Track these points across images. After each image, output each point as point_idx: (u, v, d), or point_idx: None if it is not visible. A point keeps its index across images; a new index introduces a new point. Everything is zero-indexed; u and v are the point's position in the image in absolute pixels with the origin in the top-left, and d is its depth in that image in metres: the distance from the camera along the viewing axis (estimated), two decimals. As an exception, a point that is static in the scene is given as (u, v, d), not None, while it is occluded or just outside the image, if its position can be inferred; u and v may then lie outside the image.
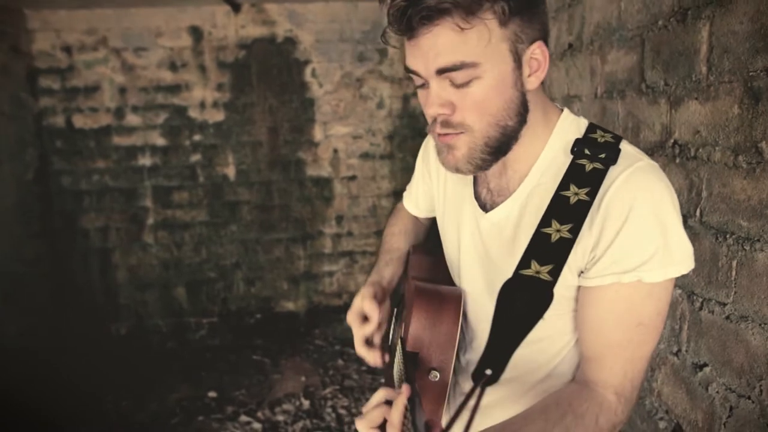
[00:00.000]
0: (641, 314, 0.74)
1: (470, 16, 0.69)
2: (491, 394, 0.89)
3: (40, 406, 3.32)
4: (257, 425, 3.10)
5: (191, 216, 4.24)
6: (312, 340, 4.28)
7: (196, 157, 4.18)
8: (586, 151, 0.77)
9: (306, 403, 3.32)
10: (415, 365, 0.86)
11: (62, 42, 4.00)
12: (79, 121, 4.09)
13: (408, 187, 1.23)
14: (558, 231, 0.73)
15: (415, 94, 4.29)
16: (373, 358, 1.02)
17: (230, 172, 4.23)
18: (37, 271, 3.91)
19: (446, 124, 0.76)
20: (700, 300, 1.14)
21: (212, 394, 3.46)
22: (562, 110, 0.86)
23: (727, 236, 1.05)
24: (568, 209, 0.74)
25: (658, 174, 0.76)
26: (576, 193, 0.74)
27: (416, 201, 1.18)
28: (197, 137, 4.16)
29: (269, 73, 4.15)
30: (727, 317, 1.06)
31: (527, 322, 0.68)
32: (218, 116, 4.15)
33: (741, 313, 1.02)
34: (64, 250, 4.16)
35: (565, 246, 0.72)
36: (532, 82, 0.77)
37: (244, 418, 3.17)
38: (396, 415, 0.61)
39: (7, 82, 3.69)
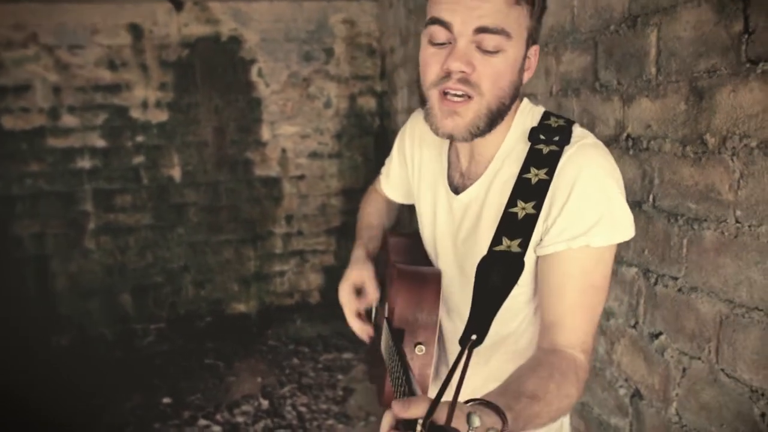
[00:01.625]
0: (593, 277, 0.83)
1: None
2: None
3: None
4: (217, 428, 3.07)
5: (135, 219, 4.12)
6: (265, 340, 4.25)
7: (139, 159, 4.06)
8: (541, 137, 0.87)
9: (265, 403, 3.32)
10: (402, 341, 0.93)
11: (-13, 38, 3.77)
12: (8, 123, 3.88)
13: (384, 172, 1.29)
14: (523, 209, 0.81)
15: (361, 93, 4.35)
16: (365, 331, 1.08)
17: (176, 173, 4.14)
18: (-33, 282, 3.68)
19: (464, 81, 0.81)
20: (655, 276, 1.27)
21: (167, 400, 3.39)
22: (521, 100, 0.95)
23: (678, 218, 1.19)
24: (531, 188, 0.83)
25: (601, 150, 0.86)
26: (536, 174, 0.83)
27: (394, 185, 1.25)
28: (140, 138, 4.04)
29: (214, 73, 4.09)
30: (680, 289, 1.20)
31: (504, 290, 0.76)
32: (162, 116, 4.05)
33: (691, 285, 1.16)
34: (-5, 259, 3.94)
35: (531, 221, 0.81)
36: (525, 76, 0.88)
37: (202, 422, 3.13)
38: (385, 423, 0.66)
39: (-73, 81, 3.45)
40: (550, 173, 0.82)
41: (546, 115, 0.92)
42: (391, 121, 4.06)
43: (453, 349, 1.08)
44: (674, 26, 1.16)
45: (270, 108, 4.24)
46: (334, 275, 4.48)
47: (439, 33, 0.81)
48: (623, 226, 0.83)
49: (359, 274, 1.10)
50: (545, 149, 0.85)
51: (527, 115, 0.93)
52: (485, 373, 1.02)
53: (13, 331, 3.96)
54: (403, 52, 3.55)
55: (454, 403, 0.57)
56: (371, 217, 1.29)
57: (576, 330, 0.84)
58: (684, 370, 1.20)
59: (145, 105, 4.01)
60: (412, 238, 1.21)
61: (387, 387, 0.97)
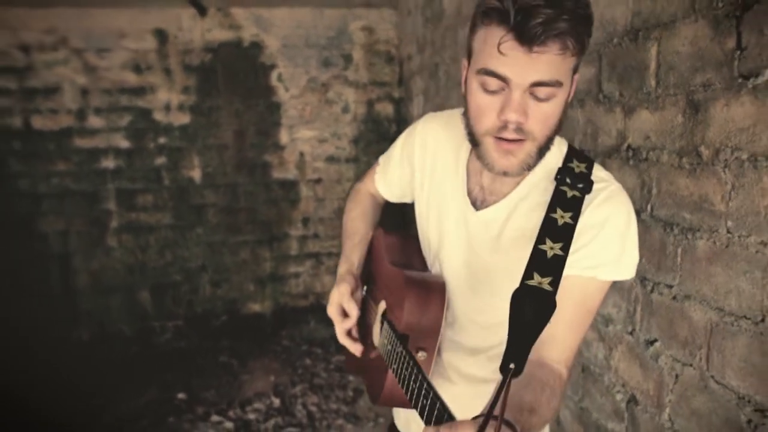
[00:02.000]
0: (590, 303, 0.92)
1: (575, 45, 0.79)
2: (475, 342, 1.07)
3: (1, 415, 3.25)
4: (229, 424, 3.14)
5: (156, 219, 4.23)
6: (279, 340, 4.33)
7: (161, 160, 4.18)
8: (567, 180, 0.92)
9: (276, 402, 3.38)
10: (404, 345, 0.98)
11: (20, 41, 3.92)
12: (38, 123, 4.02)
13: (381, 170, 1.27)
14: (551, 248, 0.85)
15: (379, 99, 4.42)
16: (355, 348, 1.12)
17: (196, 174, 4.25)
18: (-5, 275, 3.82)
19: (519, 130, 0.85)
20: (651, 284, 1.30)
21: (182, 395, 3.47)
22: None
23: (674, 227, 1.21)
24: (558, 229, 0.87)
25: (625, 196, 0.93)
26: (562, 216, 0.89)
27: (390, 184, 1.25)
28: (162, 140, 4.16)
29: (235, 77, 4.19)
30: (674, 297, 1.22)
31: (539, 323, 0.78)
32: (184, 119, 4.16)
33: (685, 293, 1.19)
34: (22, 255, 4.07)
35: (560, 261, 0.84)
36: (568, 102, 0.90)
37: (215, 417, 3.21)
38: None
39: (-37, 82, 3.60)
40: (574, 218, 0.88)
41: (569, 155, 0.97)
42: (407, 126, 4.11)
43: (448, 356, 1.11)
44: (673, 41, 1.19)
45: (289, 112, 4.32)
46: (348, 278, 4.53)
47: (492, 83, 0.83)
48: (628, 268, 0.92)
49: (338, 295, 1.11)
50: (569, 193, 0.91)
51: (555, 149, 0.96)
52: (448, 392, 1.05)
53: (36, 325, 4.10)
54: (420, 60, 3.60)
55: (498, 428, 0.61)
56: (355, 222, 1.28)
57: (566, 347, 0.91)
58: (677, 376, 1.22)
59: (168, 108, 4.13)
60: (404, 236, 1.24)
61: (387, 384, 1.01)
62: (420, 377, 0.82)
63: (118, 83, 4.05)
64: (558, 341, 0.89)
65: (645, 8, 1.28)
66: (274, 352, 4.12)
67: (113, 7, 3.94)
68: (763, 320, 0.99)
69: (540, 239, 0.87)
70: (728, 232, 1.06)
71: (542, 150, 0.89)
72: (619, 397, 1.46)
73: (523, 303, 0.79)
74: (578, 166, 0.94)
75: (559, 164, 0.95)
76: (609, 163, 1.46)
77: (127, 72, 4.05)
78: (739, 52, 1.01)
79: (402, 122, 4.36)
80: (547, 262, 0.84)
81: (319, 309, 4.60)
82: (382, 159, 1.28)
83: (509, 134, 0.85)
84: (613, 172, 1.44)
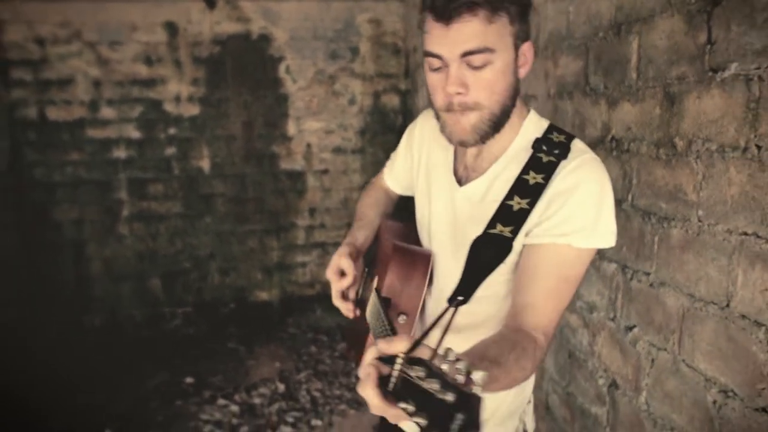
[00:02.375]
0: (568, 272, 0.93)
1: (494, 13, 0.88)
2: (463, 318, 1.10)
3: (16, 395, 3.37)
4: (234, 407, 3.22)
5: (166, 208, 4.32)
6: (286, 328, 4.41)
7: (171, 150, 4.26)
8: (543, 147, 0.97)
9: (281, 387, 3.46)
10: (387, 307, 1.03)
11: (35, 34, 4.01)
12: (52, 114, 4.11)
13: (389, 165, 1.39)
14: (519, 203, 0.92)
15: (386, 91, 4.46)
16: (346, 309, 1.18)
17: (205, 165, 4.33)
18: (8, 263, 3.94)
19: (463, 103, 0.93)
20: (631, 272, 1.34)
21: (189, 380, 3.57)
22: (529, 111, 1.05)
23: (651, 216, 1.25)
24: (528, 188, 0.93)
25: (600, 165, 0.96)
26: (534, 177, 0.94)
27: (397, 178, 1.36)
28: (172, 131, 4.24)
29: (244, 69, 4.25)
30: (651, 284, 1.26)
31: (492, 264, 0.87)
32: (193, 110, 4.24)
33: (660, 280, 1.23)
34: (37, 242, 4.19)
35: (524, 214, 0.91)
36: (521, 72, 0.97)
37: (221, 401, 3.30)
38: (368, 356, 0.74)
39: (-20, 73, 3.71)
40: (546, 179, 0.93)
41: (550, 129, 1.02)
42: (413, 118, 4.15)
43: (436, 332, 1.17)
44: (652, 35, 1.22)
45: (296, 104, 4.38)
46: (354, 268, 4.60)
47: (434, 62, 0.93)
48: (604, 236, 0.93)
49: (336, 257, 1.18)
50: (545, 158, 0.96)
51: (534, 126, 1.03)
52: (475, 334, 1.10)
53: (51, 311, 4.22)
54: (425, 52, 3.64)
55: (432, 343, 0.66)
56: (366, 207, 1.38)
57: (543, 314, 0.93)
58: (653, 360, 1.27)
59: (178, 99, 4.21)
60: (408, 225, 1.30)
61: (366, 347, 1.07)
62: (389, 329, 0.86)
63: (129, 75, 4.13)
64: (535, 308, 0.92)
65: (627, 3, 1.31)
66: (280, 339, 4.20)
67: (125, 1, 4.01)
68: (728, 305, 1.03)
69: (508, 197, 0.93)
70: (699, 220, 1.10)
71: (498, 118, 0.95)
72: (601, 381, 1.50)
73: (481, 247, 0.87)
74: (557, 137, 0.99)
75: (539, 135, 1.00)
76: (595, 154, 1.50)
77: (138, 64, 4.13)
78: (709, 47, 1.05)
79: (408, 114, 4.40)
80: (512, 214, 0.91)
81: (325, 298, 4.67)
82: (392, 155, 1.40)
83: (455, 107, 0.93)
84: (597, 162, 1.48)
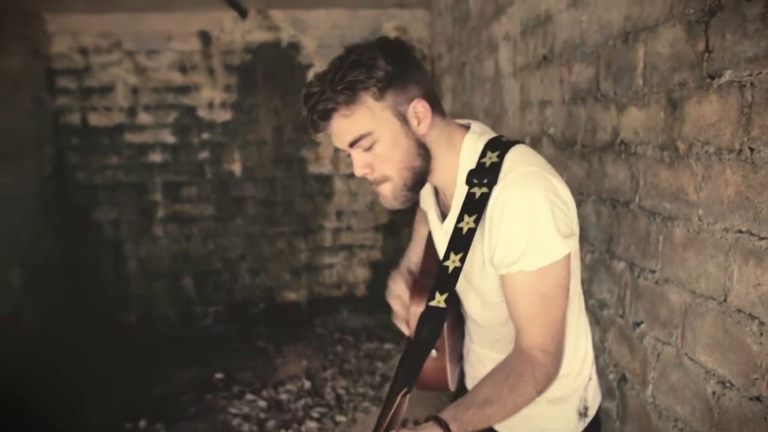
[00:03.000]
0: (541, 289, 0.95)
1: (350, 105, 0.93)
2: (480, 349, 1.19)
3: (57, 384, 3.56)
4: (262, 402, 3.34)
5: (199, 210, 4.49)
6: (313, 328, 4.53)
7: (204, 155, 4.43)
8: (475, 180, 0.98)
9: (307, 384, 3.57)
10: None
11: (79, 44, 4.24)
12: (94, 120, 4.33)
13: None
14: (453, 262, 0.97)
15: (411, 97, 4.55)
16: (407, 330, 1.21)
17: (236, 168, 4.49)
18: (54, 261, 4.16)
19: (375, 179, 1.01)
20: (638, 269, 1.39)
21: (219, 375, 3.71)
22: (468, 128, 1.07)
23: (656, 216, 1.30)
24: (461, 239, 0.97)
25: (525, 182, 0.94)
26: (467, 222, 0.97)
27: (424, 202, 1.41)
28: (205, 135, 4.41)
29: (274, 76, 4.40)
30: (656, 282, 1.31)
31: (433, 339, 0.96)
32: (225, 116, 4.41)
33: (665, 277, 1.28)
34: (79, 242, 4.41)
35: (457, 272, 0.97)
36: (422, 129, 0.99)
37: (249, 396, 3.42)
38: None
39: (27, 82, 3.94)
40: (477, 220, 0.97)
41: (484, 151, 1.01)
42: (438, 123, 4.22)
43: (475, 338, 1.24)
44: (656, 43, 1.28)
45: (324, 109, 4.50)
46: (380, 269, 4.70)
47: (346, 152, 1.02)
48: (549, 252, 0.93)
49: (395, 288, 1.22)
50: (478, 192, 0.97)
51: (468, 155, 1.03)
52: (483, 374, 1.17)
53: (92, 307, 4.43)
54: (449, 59, 3.72)
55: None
56: (418, 224, 1.42)
57: (534, 334, 0.97)
58: (658, 355, 1.32)
59: (211, 105, 4.38)
60: None
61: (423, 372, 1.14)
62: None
63: (165, 82, 4.32)
64: (524, 331, 0.97)
65: (635, 12, 1.37)
66: (307, 339, 4.32)
67: (162, 12, 4.21)
68: (725, 300, 1.08)
69: (445, 256, 0.98)
70: (699, 219, 1.15)
71: (412, 180, 1.01)
72: (611, 376, 1.55)
73: (422, 325, 0.95)
74: (490, 158, 0.99)
75: (472, 165, 1.01)
76: (605, 157, 1.55)
77: (173, 72, 4.32)
78: (707, 54, 1.10)
79: (433, 119, 4.47)
80: (447, 277, 0.96)
81: (351, 299, 4.78)
82: None
83: (373, 183, 1.03)
84: (607, 165, 1.54)
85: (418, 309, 1.08)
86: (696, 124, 1.15)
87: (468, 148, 1.04)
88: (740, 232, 1.03)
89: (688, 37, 1.16)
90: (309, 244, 4.69)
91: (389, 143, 0.97)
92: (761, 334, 0.99)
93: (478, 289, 1.10)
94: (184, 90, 4.35)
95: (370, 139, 0.96)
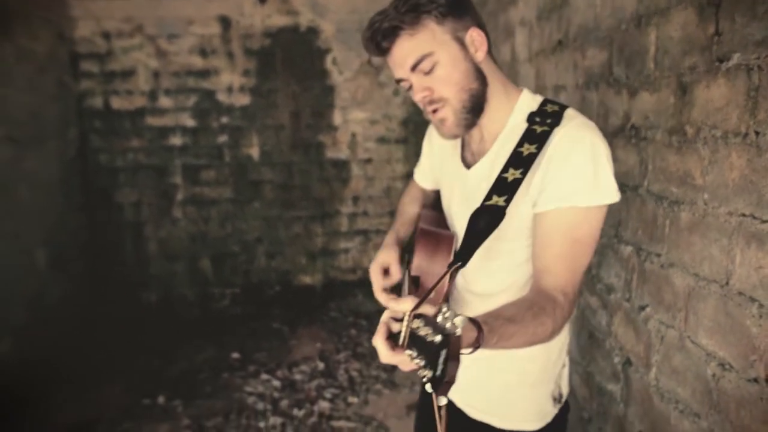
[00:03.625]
0: (577, 233, 0.98)
1: (414, 26, 0.99)
2: (471, 298, 1.19)
3: (79, 361, 3.68)
4: (276, 382, 3.42)
5: (218, 193, 4.56)
6: (327, 311, 4.59)
7: (223, 138, 4.49)
8: (537, 119, 1.04)
9: (321, 365, 3.63)
10: (416, 286, 1.14)
11: (102, 29, 4.31)
12: (116, 103, 4.41)
13: (418, 165, 1.50)
14: (513, 174, 1.00)
15: (428, 83, 4.54)
16: (387, 301, 1.26)
17: (254, 152, 4.54)
18: (77, 242, 4.26)
19: (431, 102, 1.05)
20: (645, 254, 1.40)
21: (235, 355, 3.79)
22: (522, 90, 1.12)
23: (663, 201, 1.31)
24: (522, 159, 1.01)
25: (591, 128, 1.01)
26: (528, 149, 1.01)
27: (424, 174, 1.46)
28: (224, 119, 4.47)
29: (293, 61, 4.43)
30: (661, 265, 1.32)
31: (487, 231, 0.97)
32: (244, 100, 4.45)
33: (670, 261, 1.28)
34: (101, 223, 4.51)
35: (517, 182, 1.00)
36: (479, 55, 1.05)
37: (264, 376, 3.50)
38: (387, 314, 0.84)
39: (52, 66, 4.02)
40: (539, 147, 1.01)
41: (545, 102, 1.09)
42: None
43: (461, 296, 1.26)
44: (667, 27, 1.28)
45: (342, 94, 4.52)
46: (394, 255, 4.72)
47: (403, 84, 1.07)
48: (605, 192, 0.97)
49: (386, 257, 1.28)
50: (539, 129, 1.03)
51: (529, 101, 1.10)
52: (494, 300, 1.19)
53: (113, 286, 4.55)
54: (467, 44, 3.70)
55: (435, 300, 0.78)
56: (406, 205, 1.49)
57: (559, 276, 0.99)
58: (662, 338, 1.33)
59: (230, 89, 4.43)
60: (441, 214, 1.41)
61: None
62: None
63: (185, 66, 4.38)
64: (550, 272, 0.99)
65: (647, -4, 1.37)
66: (321, 322, 4.38)
67: (183, -4, 4.25)
68: (727, 283, 1.09)
69: (504, 170, 1.02)
70: (704, 203, 1.16)
71: (471, 103, 1.05)
72: (617, 360, 1.57)
73: (478, 218, 0.98)
74: (551, 107, 1.06)
75: (534, 109, 1.07)
76: (615, 142, 1.56)
77: (193, 56, 4.37)
78: (717, 38, 1.10)
79: (450, 105, 4.46)
80: (506, 185, 1.00)
81: (366, 283, 4.77)
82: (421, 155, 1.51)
83: (428, 107, 1.06)
84: (618, 150, 1.54)
85: (423, 257, 1.11)
86: (704, 108, 1.15)
87: (528, 96, 1.10)
88: (743, 215, 1.04)
89: (699, 20, 1.16)
90: (325, 228, 4.74)
91: (449, 65, 1.02)
92: (761, 317, 0.99)
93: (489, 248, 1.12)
94: (204, 74, 4.40)
95: (431, 60, 1.01)
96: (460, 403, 1.22)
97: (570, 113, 1.04)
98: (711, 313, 1.14)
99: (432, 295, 1.09)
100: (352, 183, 4.68)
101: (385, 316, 0.80)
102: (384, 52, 1.03)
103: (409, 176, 4.60)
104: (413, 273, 1.17)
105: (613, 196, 0.98)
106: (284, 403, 3.18)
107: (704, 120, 1.15)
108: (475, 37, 1.04)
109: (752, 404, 1.02)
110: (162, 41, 4.35)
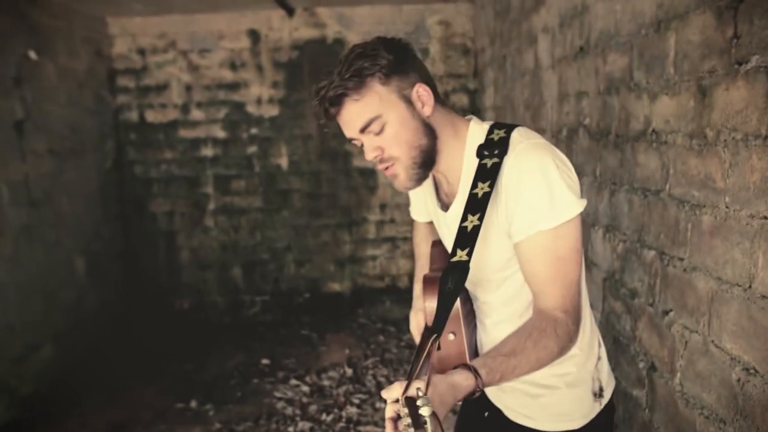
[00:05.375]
0: (556, 252, 0.99)
1: (359, 90, 1.00)
2: (494, 317, 1.20)
3: (115, 365, 3.80)
4: (305, 388, 3.46)
5: (248, 202, 4.66)
6: (356, 318, 4.63)
7: (252, 149, 4.60)
8: (485, 152, 1.04)
9: (349, 371, 3.67)
10: (439, 335, 1.15)
11: (137, 45, 4.48)
12: (150, 116, 4.57)
13: (411, 206, 1.48)
14: (471, 222, 1.02)
15: (455, 91, 4.57)
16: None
17: (283, 162, 4.63)
18: (113, 250, 4.41)
19: (382, 161, 1.07)
20: (668, 258, 1.39)
21: (265, 361, 3.86)
22: (470, 120, 1.13)
23: (685, 204, 1.30)
24: (477, 202, 1.02)
25: (538, 148, 1.01)
26: (482, 188, 1.02)
27: (418, 212, 1.46)
28: (254, 130, 4.57)
29: (320, 72, 4.42)
30: (684, 270, 1.31)
31: (456, 290, 1.00)
32: (273, 111, 4.55)
33: (693, 265, 1.28)
34: (135, 232, 4.66)
35: (476, 230, 1.01)
36: (426, 111, 1.05)
37: (293, 381, 3.55)
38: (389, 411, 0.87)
39: (91, 81, 4.19)
40: (492, 185, 1.02)
41: (491, 130, 1.07)
42: (481, 117, 4.23)
43: (487, 322, 1.26)
44: (687, 31, 1.28)
45: (368, 104, 4.58)
46: (421, 263, 4.74)
47: (356, 142, 1.08)
48: (564, 209, 0.98)
49: (416, 319, 1.31)
50: (489, 162, 1.03)
51: (476, 134, 1.09)
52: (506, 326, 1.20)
53: (147, 293, 4.68)
54: (491, 52, 3.72)
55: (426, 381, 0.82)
56: (418, 247, 1.50)
57: (553, 296, 1.01)
58: (686, 343, 1.32)
59: (259, 101, 4.53)
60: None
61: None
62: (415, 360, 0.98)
63: (216, 80, 4.51)
64: (545, 294, 1.02)
65: (666, 0, 1.37)
66: (350, 328, 4.42)
67: (214, 12, 4.39)
68: (750, 286, 1.08)
69: (463, 218, 1.03)
70: (726, 207, 1.15)
71: (421, 159, 1.06)
72: (641, 365, 1.56)
73: (446, 278, 1.00)
74: (497, 134, 1.06)
75: (481, 141, 1.07)
76: (637, 147, 1.55)
77: (224, 69, 4.50)
78: (735, 40, 1.10)
79: (476, 112, 4.48)
80: (467, 235, 1.01)
81: (394, 290, 4.84)
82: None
83: (380, 166, 1.08)
84: (639, 155, 1.54)
85: (431, 304, 1.13)
86: (724, 111, 1.15)
87: (475, 128, 1.10)
88: (765, 218, 1.03)
89: (718, 23, 1.16)
90: (353, 236, 4.79)
91: (397, 124, 1.03)
92: (784, 320, 0.99)
93: (484, 270, 1.13)
94: (234, 87, 4.52)
95: (380, 122, 1.02)
96: (505, 410, 1.23)
97: (515, 137, 1.04)
98: (734, 316, 1.13)
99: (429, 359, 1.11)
100: (379, 191, 4.73)
101: (388, 411, 0.84)
102: (332, 118, 1.05)
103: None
104: (426, 321, 1.18)
105: (574, 209, 0.99)
106: (313, 408, 3.22)
107: (724, 123, 1.15)
108: (421, 93, 1.04)
109: (777, 409, 1.01)
110: (194, 56, 4.49)
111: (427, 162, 1.08)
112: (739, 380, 1.12)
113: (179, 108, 4.55)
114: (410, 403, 0.78)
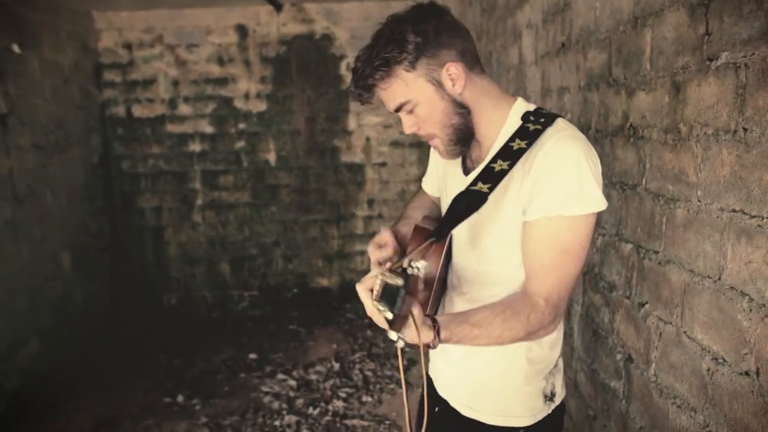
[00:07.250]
0: (564, 243, 1.01)
1: (386, 80, 1.04)
2: (462, 304, 1.21)
3: (102, 360, 3.79)
4: (292, 382, 3.48)
5: (236, 197, 4.66)
6: (343, 313, 4.64)
7: (240, 144, 4.59)
8: (531, 118, 1.08)
9: (336, 366, 3.68)
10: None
11: (124, 40, 4.45)
12: (137, 111, 4.54)
13: (426, 174, 1.53)
14: (500, 165, 1.05)
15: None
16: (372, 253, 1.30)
17: (271, 157, 4.62)
18: (100, 245, 4.39)
19: (424, 136, 1.12)
20: (644, 251, 1.42)
21: (253, 356, 3.86)
22: (515, 99, 1.15)
23: (660, 198, 1.33)
24: (511, 152, 1.05)
25: (580, 140, 1.03)
26: (519, 144, 1.05)
27: (431, 183, 1.49)
28: (242, 125, 4.56)
29: (307, 67, 4.51)
30: (659, 263, 1.34)
31: (467, 212, 1.03)
32: (261, 106, 4.55)
33: (667, 258, 1.30)
34: (123, 227, 4.64)
35: (503, 173, 1.05)
36: (457, 89, 1.07)
37: (281, 376, 3.56)
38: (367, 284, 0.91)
39: (77, 76, 4.16)
40: (529, 143, 1.04)
41: (539, 108, 1.13)
42: (468, 113, 4.24)
43: (451, 298, 1.29)
44: (662, 27, 1.30)
45: (356, 100, 4.58)
46: (409, 258, 4.76)
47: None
48: (590, 201, 1.00)
49: (381, 235, 1.31)
50: (531, 127, 1.07)
51: (523, 106, 1.13)
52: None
53: (135, 288, 4.67)
54: (478, 48, 3.73)
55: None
56: (411, 210, 1.50)
57: (545, 283, 1.03)
58: (660, 334, 1.35)
59: (247, 96, 4.52)
60: (437, 216, 1.44)
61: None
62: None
63: (204, 74, 4.49)
64: (537, 278, 1.03)
65: (643, -3, 1.39)
66: (337, 323, 4.44)
67: (202, 7, 4.36)
68: (720, 278, 1.11)
69: (493, 160, 1.07)
70: (698, 200, 1.18)
71: (457, 134, 1.10)
72: (619, 357, 1.59)
73: (460, 199, 1.05)
74: (547, 112, 1.10)
75: (531, 110, 1.10)
76: (615, 141, 1.58)
77: (212, 64, 4.48)
78: (707, 37, 1.12)
79: (464, 108, 4.49)
80: (493, 174, 1.05)
81: (381, 286, 4.86)
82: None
83: (421, 137, 1.14)
84: (618, 149, 1.57)
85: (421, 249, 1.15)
86: (696, 106, 1.17)
87: (521, 104, 1.13)
88: (734, 211, 1.06)
89: (690, 20, 1.18)
90: (341, 231, 4.80)
91: (428, 105, 1.07)
92: (751, 311, 1.01)
93: (483, 240, 1.15)
94: (222, 82, 4.51)
95: (410, 105, 1.07)
96: (453, 403, 1.25)
97: (561, 123, 1.06)
98: (705, 308, 1.15)
99: (420, 289, 1.13)
100: (366, 186, 4.74)
101: (372, 274, 0.89)
102: (367, 101, 1.10)
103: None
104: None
105: (598, 205, 1.01)
106: (300, 402, 3.23)
107: (696, 118, 1.17)
108: (451, 71, 1.05)
109: (744, 397, 1.03)
110: (181, 50, 4.47)
111: (462, 138, 1.12)
112: (708, 370, 1.15)
113: (166, 103, 4.53)
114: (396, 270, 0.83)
